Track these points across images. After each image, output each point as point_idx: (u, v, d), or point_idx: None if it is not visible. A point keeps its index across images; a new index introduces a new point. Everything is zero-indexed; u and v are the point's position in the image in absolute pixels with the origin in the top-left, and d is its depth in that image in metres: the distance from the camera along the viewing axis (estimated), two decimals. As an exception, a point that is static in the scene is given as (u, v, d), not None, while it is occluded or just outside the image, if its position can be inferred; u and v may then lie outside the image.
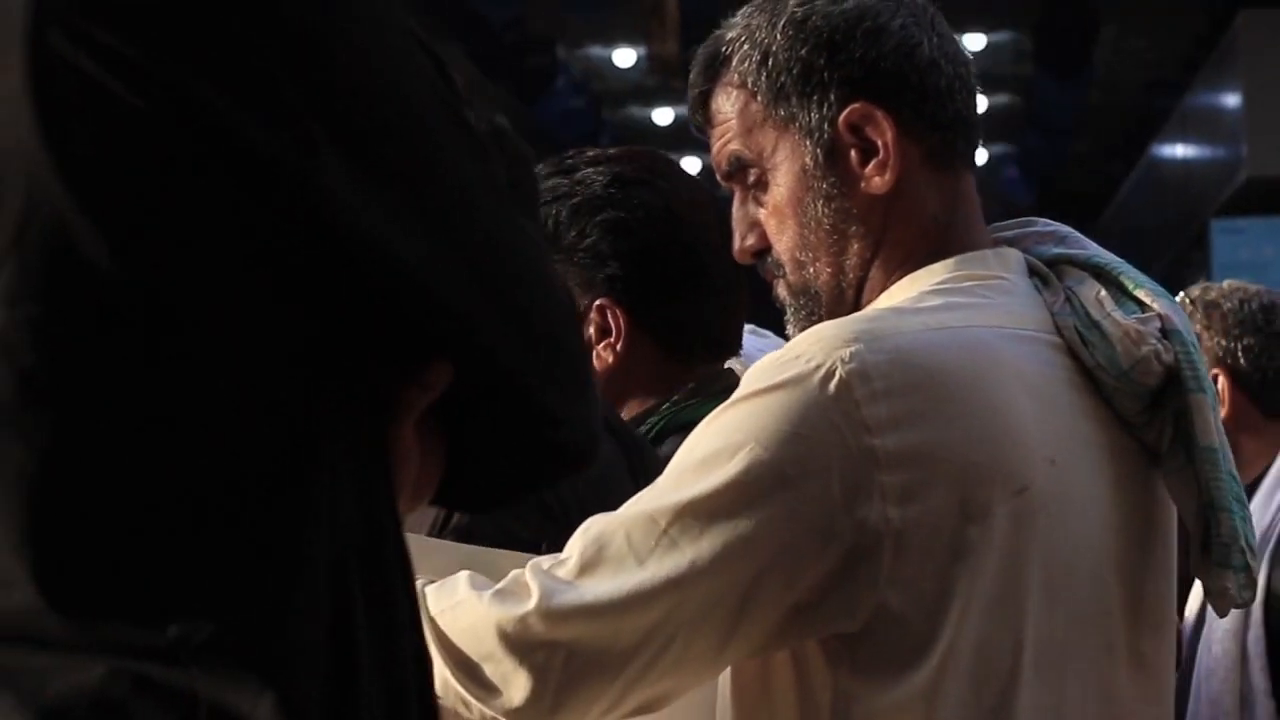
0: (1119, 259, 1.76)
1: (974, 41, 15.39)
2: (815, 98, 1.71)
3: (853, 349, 1.56)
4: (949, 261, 1.71)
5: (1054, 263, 1.75)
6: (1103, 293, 1.70)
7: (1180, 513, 1.72)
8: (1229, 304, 3.36)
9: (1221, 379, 3.32)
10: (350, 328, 1.03)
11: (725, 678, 1.67)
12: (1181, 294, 3.43)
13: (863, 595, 1.56)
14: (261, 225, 0.99)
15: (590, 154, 2.15)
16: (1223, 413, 3.30)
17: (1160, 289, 1.72)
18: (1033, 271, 1.74)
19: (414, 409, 1.08)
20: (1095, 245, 1.79)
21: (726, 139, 1.76)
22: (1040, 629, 1.62)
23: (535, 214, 1.20)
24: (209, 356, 0.98)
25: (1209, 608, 3.10)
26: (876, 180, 1.71)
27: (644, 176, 2.12)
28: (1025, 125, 16.58)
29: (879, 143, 1.71)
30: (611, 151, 2.17)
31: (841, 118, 1.70)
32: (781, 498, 1.55)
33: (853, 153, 1.71)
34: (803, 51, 1.71)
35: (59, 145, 0.97)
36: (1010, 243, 1.79)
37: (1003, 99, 16.86)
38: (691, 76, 1.80)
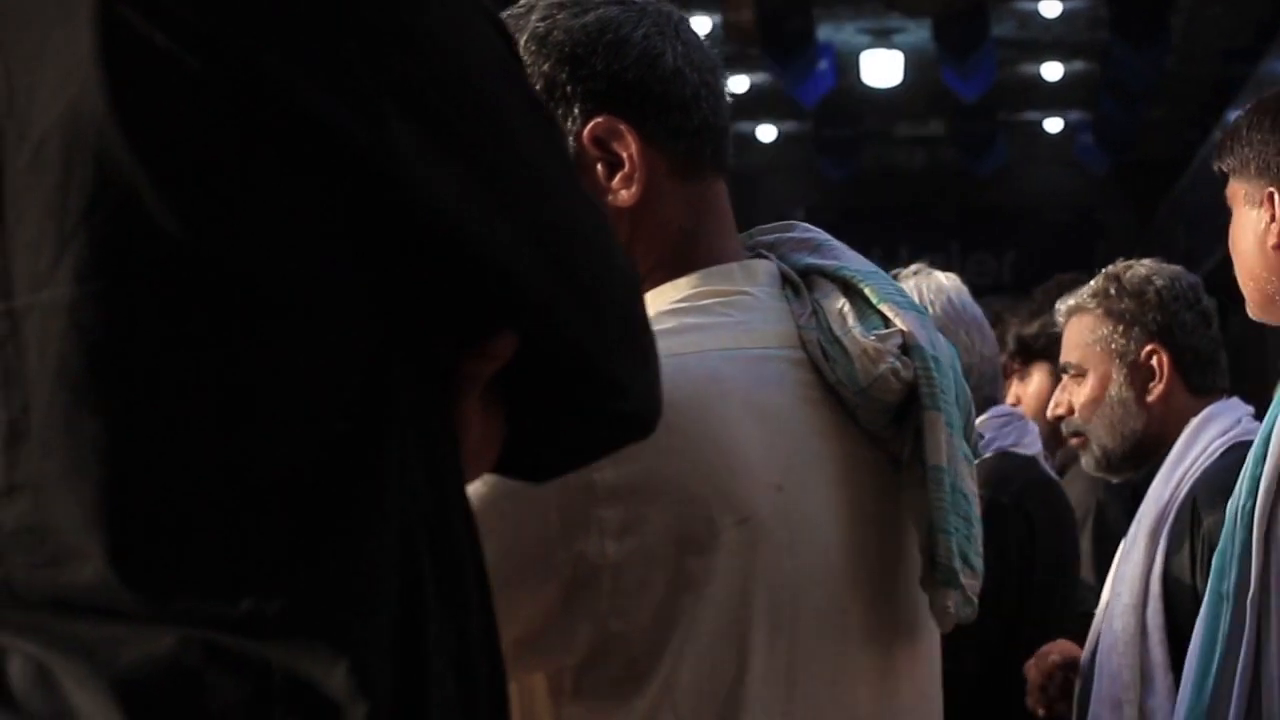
0: (870, 269, 1.73)
1: (1050, 9, 15.19)
2: (559, 113, 1.68)
3: None
4: (693, 277, 1.68)
5: (806, 273, 1.73)
6: (846, 306, 1.67)
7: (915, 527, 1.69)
8: (1161, 280, 3.34)
9: (1159, 355, 3.29)
10: (418, 300, 1.03)
11: None
12: (1101, 272, 3.38)
13: (581, 629, 1.55)
14: (332, 198, 0.99)
15: None
16: (1159, 390, 3.29)
17: (907, 301, 1.69)
18: (786, 280, 1.72)
19: (478, 380, 1.09)
20: (850, 254, 1.76)
21: None
22: (765, 657, 1.59)
23: None
24: (279, 329, 0.98)
25: (1113, 589, 3.08)
26: (623, 194, 1.68)
27: None
28: (1101, 92, 16.37)
29: (624, 155, 1.68)
30: None
31: (586, 132, 1.68)
32: (499, 532, 1.51)
33: (599, 167, 1.68)
34: (545, 67, 1.69)
35: (130, 117, 0.96)
36: (770, 247, 1.77)
37: (1078, 66, 16.65)
38: None
